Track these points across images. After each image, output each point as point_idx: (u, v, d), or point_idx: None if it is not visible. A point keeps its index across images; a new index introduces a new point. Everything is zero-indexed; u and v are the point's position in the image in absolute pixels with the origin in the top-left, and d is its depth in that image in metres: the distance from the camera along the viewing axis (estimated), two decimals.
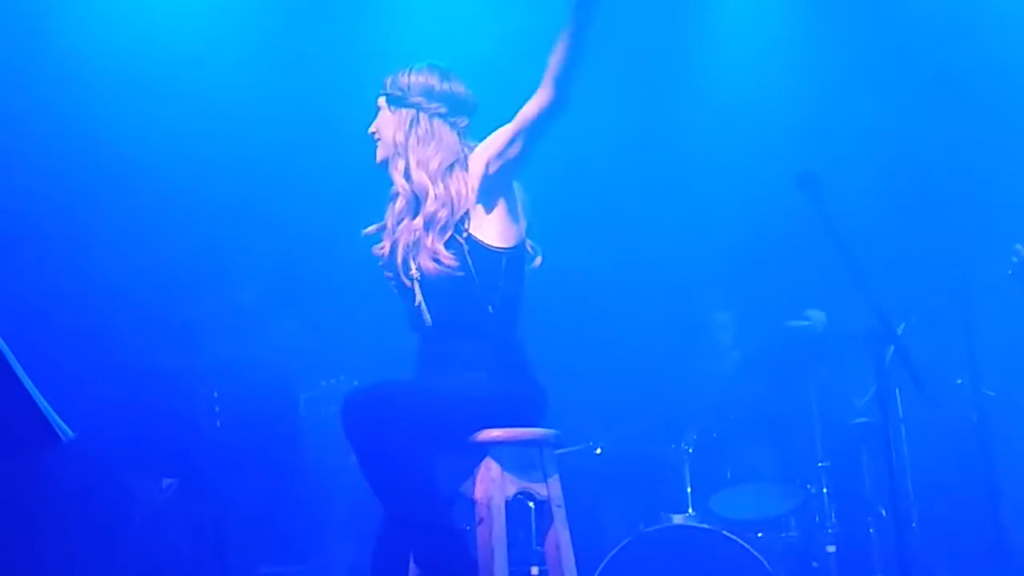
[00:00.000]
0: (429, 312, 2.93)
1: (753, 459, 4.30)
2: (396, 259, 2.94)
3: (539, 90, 2.82)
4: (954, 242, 4.81)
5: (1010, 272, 3.52)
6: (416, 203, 2.93)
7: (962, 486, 4.44)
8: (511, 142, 2.88)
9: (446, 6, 5.30)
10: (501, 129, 2.91)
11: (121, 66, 4.79)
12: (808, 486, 4.27)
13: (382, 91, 3.02)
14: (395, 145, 2.97)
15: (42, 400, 2.14)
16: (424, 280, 2.92)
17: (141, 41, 4.89)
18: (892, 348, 3.27)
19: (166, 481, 4.00)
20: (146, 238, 4.63)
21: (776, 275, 4.94)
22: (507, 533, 2.97)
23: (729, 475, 4.28)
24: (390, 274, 2.99)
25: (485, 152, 2.92)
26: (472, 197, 2.90)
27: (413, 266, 2.91)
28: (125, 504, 3.97)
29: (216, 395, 3.84)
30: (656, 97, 5.33)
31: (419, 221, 2.90)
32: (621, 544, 4.05)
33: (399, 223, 2.97)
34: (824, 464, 4.26)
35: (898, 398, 4.30)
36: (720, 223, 5.14)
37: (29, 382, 2.12)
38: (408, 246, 2.93)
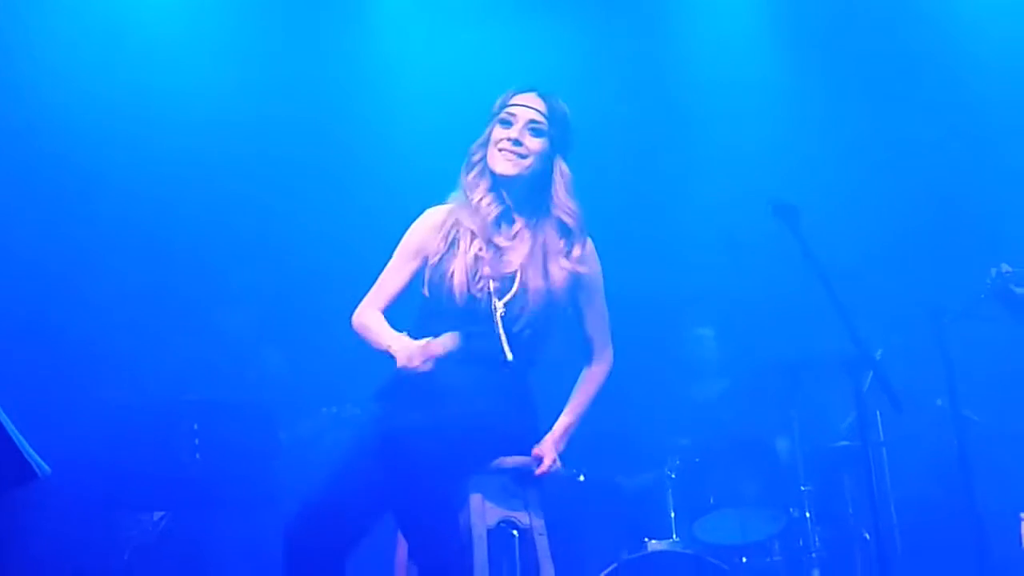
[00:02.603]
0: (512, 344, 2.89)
1: (736, 484, 4.29)
2: (472, 286, 2.92)
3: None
4: (930, 266, 4.85)
5: (982, 296, 3.55)
6: (550, 237, 2.99)
7: (944, 508, 4.45)
8: (571, 303, 3.07)
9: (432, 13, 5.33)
10: (596, 288, 3.10)
11: (107, 90, 4.78)
12: (791, 510, 4.27)
13: (547, 113, 3.01)
14: (555, 171, 3.03)
15: (17, 435, 2.11)
16: (511, 313, 2.91)
17: (124, 59, 4.89)
18: (871, 373, 3.28)
19: (157, 514, 3.96)
20: (129, 270, 4.61)
21: (754, 302, 4.97)
22: (489, 562, 2.96)
23: (712, 500, 4.28)
24: (462, 298, 2.92)
25: (577, 264, 3.03)
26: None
27: (495, 299, 2.90)
28: (114, 541, 3.92)
29: (196, 427, 3.81)
30: (636, 120, 5.39)
31: (563, 264, 2.98)
32: (605, 572, 4.05)
33: (495, 249, 2.96)
34: (806, 488, 4.26)
35: (879, 422, 4.32)
36: (700, 250, 5.17)
37: (4, 416, 2.10)
38: (503, 271, 2.94)
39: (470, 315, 2.93)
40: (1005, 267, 3.45)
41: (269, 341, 4.77)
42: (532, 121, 2.99)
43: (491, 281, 2.93)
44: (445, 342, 2.86)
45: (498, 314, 2.90)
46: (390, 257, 3.10)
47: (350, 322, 3.05)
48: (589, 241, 3.09)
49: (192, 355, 4.42)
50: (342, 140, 5.11)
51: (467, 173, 3.03)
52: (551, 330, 3.02)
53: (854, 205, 5.17)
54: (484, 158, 3.01)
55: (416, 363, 2.83)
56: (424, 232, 3.04)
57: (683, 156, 5.34)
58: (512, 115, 3.00)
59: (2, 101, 4.57)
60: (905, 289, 4.61)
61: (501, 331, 2.87)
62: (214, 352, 4.49)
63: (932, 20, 5.37)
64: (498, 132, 2.99)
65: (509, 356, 2.83)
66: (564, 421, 3.09)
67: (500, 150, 2.98)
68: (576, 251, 3.01)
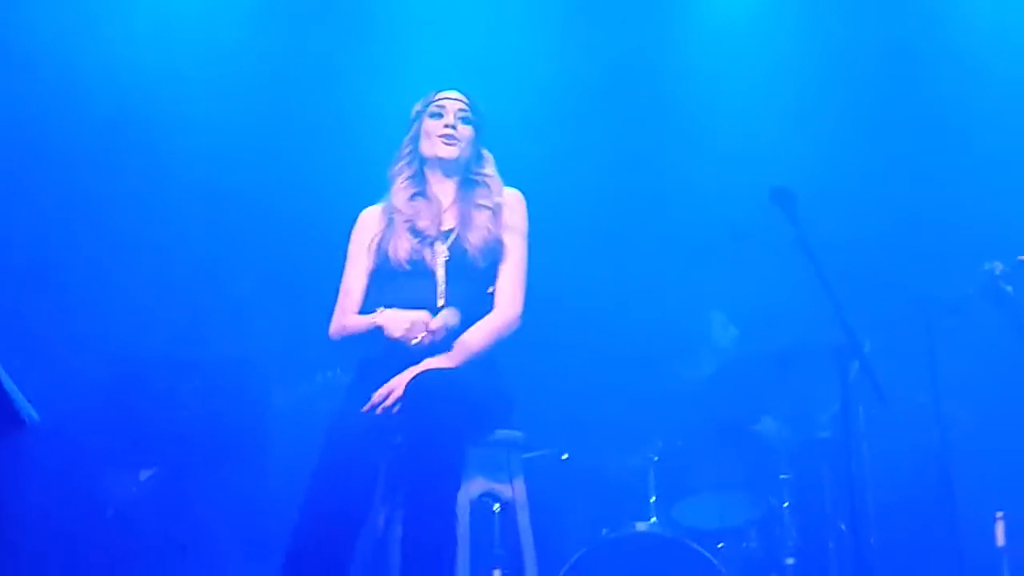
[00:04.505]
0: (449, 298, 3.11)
1: (717, 469, 4.32)
2: (423, 241, 3.14)
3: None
4: (922, 260, 4.88)
5: (972, 293, 3.56)
6: (473, 193, 3.25)
7: (922, 504, 4.49)
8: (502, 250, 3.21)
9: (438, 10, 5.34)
10: (516, 236, 3.24)
11: (117, 59, 4.84)
12: (770, 498, 4.30)
13: (469, 104, 3.29)
14: (480, 154, 3.31)
15: (8, 380, 2.11)
16: (455, 258, 3.13)
17: (138, 36, 4.92)
18: (857, 364, 3.30)
19: (144, 473, 3.95)
20: (135, 226, 4.63)
21: (747, 288, 4.99)
22: (470, 535, 2.99)
23: (693, 484, 4.31)
24: (408, 255, 3.13)
25: (504, 220, 3.24)
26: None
27: (443, 246, 3.14)
28: (98, 495, 3.91)
29: (189, 386, 3.81)
30: (632, 105, 5.41)
31: (481, 203, 3.21)
32: (583, 550, 4.07)
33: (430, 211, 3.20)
34: (786, 476, 4.29)
35: (861, 415, 4.34)
36: (692, 235, 5.19)
37: None
38: (440, 230, 3.17)
39: (417, 270, 3.13)
40: (998, 265, 3.46)
41: (268, 306, 4.77)
42: (460, 111, 3.29)
43: (432, 236, 3.17)
44: (448, 317, 2.98)
45: (441, 259, 3.14)
46: None
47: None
48: (517, 193, 3.31)
49: (192, 317, 4.42)
50: (347, 121, 5.14)
51: (396, 163, 3.31)
52: (497, 263, 3.19)
53: (850, 196, 5.19)
54: (414, 150, 3.30)
55: (418, 332, 2.97)
56: (365, 228, 3.29)
57: (680, 144, 5.36)
58: (441, 107, 3.29)
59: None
60: (896, 282, 4.63)
61: (441, 277, 3.11)
62: (213, 316, 4.51)
63: (928, 16, 5.39)
64: (431, 124, 3.28)
65: (440, 302, 3.06)
66: (431, 359, 3.05)
67: (439, 136, 3.25)
68: (496, 191, 3.26)
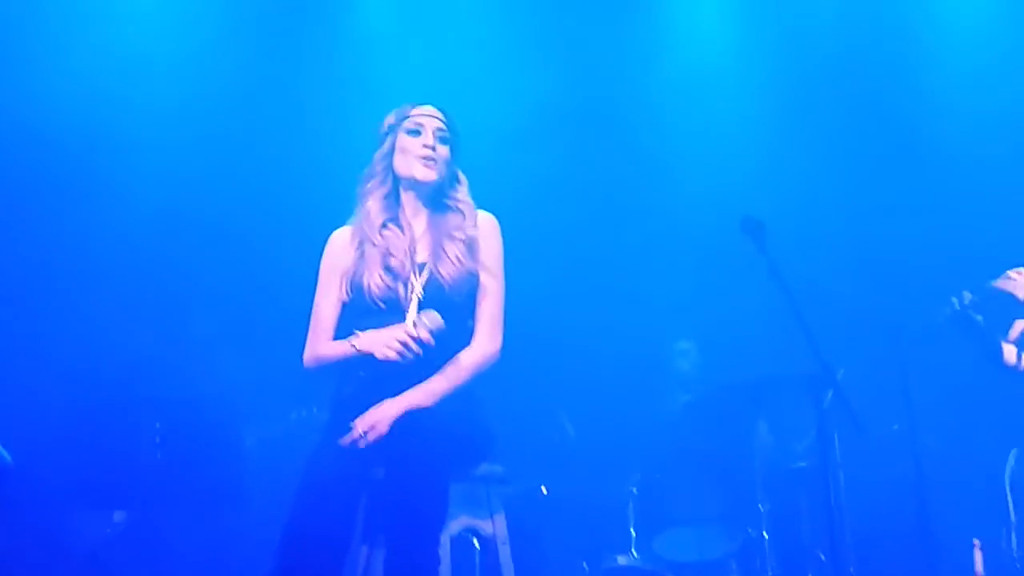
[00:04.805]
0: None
1: (696, 501, 4.33)
2: (397, 278, 3.05)
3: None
4: (894, 288, 4.94)
5: (942, 322, 3.60)
6: (446, 221, 3.13)
7: (899, 532, 4.51)
8: (478, 281, 3.11)
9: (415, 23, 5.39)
10: (491, 266, 3.14)
11: (84, 84, 4.78)
12: (749, 529, 4.31)
13: (446, 122, 3.16)
14: (455, 176, 3.19)
15: None
16: (429, 294, 3.04)
17: (96, 56, 4.88)
18: (831, 392, 3.32)
19: (118, 514, 3.90)
20: (101, 260, 4.58)
21: (721, 318, 5.02)
22: (451, 571, 2.97)
23: (672, 516, 4.31)
24: (382, 293, 3.04)
25: (480, 251, 3.14)
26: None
27: (417, 282, 3.04)
28: (71, 539, 3.85)
29: (158, 426, 3.78)
30: (604, 138, 5.45)
31: (455, 235, 3.10)
32: None
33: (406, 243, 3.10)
34: (764, 507, 4.30)
35: (836, 443, 4.37)
36: (668, 268, 5.23)
37: None
38: (415, 262, 3.07)
39: (392, 308, 3.03)
40: (967, 295, 3.50)
41: (238, 343, 4.75)
42: (439, 129, 3.16)
43: (406, 272, 3.06)
44: (428, 320, 2.95)
45: (415, 296, 3.04)
46: None
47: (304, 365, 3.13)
48: (491, 218, 3.20)
49: (159, 355, 4.39)
50: (315, 145, 5.13)
51: (368, 181, 3.18)
52: (474, 293, 3.11)
53: (823, 226, 5.27)
54: (388, 167, 3.17)
55: (410, 348, 2.89)
56: (336, 253, 3.16)
57: (657, 176, 5.41)
58: (420, 124, 3.15)
59: None
60: (868, 311, 4.68)
61: (413, 310, 2.99)
62: (181, 352, 4.48)
63: (900, 52, 5.50)
64: (408, 140, 3.14)
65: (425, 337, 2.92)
66: (409, 396, 2.95)
67: (418, 156, 3.12)
68: (470, 221, 3.14)
